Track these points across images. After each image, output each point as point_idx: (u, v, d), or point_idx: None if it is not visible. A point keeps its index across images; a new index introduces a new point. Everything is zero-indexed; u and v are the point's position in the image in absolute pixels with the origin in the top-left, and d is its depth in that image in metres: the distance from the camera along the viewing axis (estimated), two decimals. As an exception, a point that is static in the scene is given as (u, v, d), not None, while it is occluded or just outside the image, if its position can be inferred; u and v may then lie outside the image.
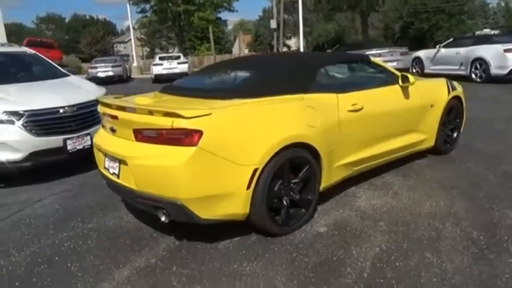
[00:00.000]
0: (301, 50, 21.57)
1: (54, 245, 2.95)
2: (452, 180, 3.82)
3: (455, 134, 4.71)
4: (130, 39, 69.04)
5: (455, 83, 4.69)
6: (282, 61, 3.71)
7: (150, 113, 2.53)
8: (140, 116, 2.57)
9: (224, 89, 3.05)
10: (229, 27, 63.74)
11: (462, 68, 10.69)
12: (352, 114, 3.29)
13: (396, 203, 3.38)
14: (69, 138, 4.26)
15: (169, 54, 20.21)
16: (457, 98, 4.56)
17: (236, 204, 2.59)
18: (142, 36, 57.80)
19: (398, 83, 3.80)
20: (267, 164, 2.64)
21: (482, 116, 6.57)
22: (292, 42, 44.71)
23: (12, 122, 4.01)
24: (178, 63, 17.42)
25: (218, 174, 2.50)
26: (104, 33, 63.20)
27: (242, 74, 3.31)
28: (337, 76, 3.74)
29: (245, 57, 5.28)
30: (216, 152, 2.47)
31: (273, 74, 3.20)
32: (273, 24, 30.91)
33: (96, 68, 17.76)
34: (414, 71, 12.97)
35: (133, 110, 2.63)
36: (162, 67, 17.22)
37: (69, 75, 5.43)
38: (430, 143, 4.32)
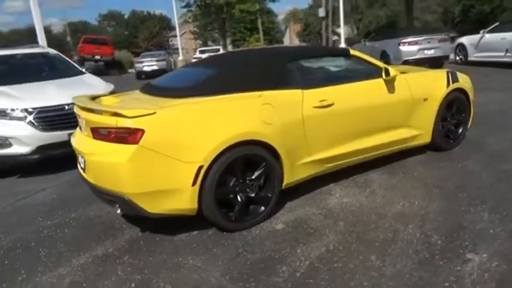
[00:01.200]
0: (342, 38, 20.80)
1: (36, 232, 3.25)
2: (440, 179, 3.60)
3: (460, 130, 4.40)
4: (184, 33, 71.11)
5: (460, 75, 4.36)
6: (247, 57, 3.71)
7: (102, 113, 2.69)
8: (95, 115, 2.75)
9: (187, 88, 3.13)
10: (281, 16, 63.33)
11: (508, 54, 9.77)
12: (320, 111, 3.22)
13: (367, 202, 3.27)
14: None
15: (210, 48, 20.60)
16: (460, 90, 4.25)
17: (183, 200, 2.69)
18: (195, 29, 59.37)
19: (381, 76, 3.63)
20: (214, 161, 2.70)
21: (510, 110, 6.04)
22: (342, 30, 43.38)
23: (23, 119, 4.43)
24: (218, 56, 17.75)
25: (162, 170, 2.61)
26: (160, 28, 65.69)
27: (210, 71, 3.37)
28: (309, 71, 3.66)
29: (222, 54, 5.27)
30: (159, 149, 2.58)
31: (234, 71, 3.23)
32: (321, 12, 30.24)
33: (142, 62, 18.65)
34: (458, 58, 12.07)
35: (91, 111, 2.82)
36: (202, 60, 17.65)
37: (84, 73, 5.82)
38: (426, 138, 4.08)
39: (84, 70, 6.01)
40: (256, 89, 3.03)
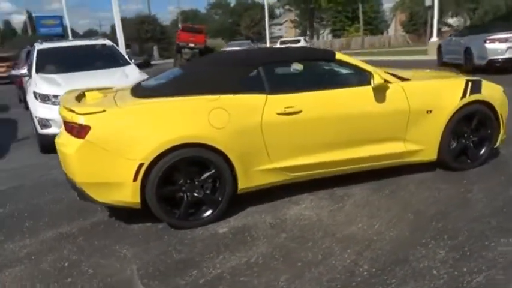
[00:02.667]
0: (434, 29, 18.72)
1: (36, 205, 3.77)
2: (425, 204, 3.21)
3: (482, 149, 3.81)
4: (285, 21, 71.25)
5: (487, 85, 3.76)
6: (217, 61, 3.68)
7: (68, 109, 3.00)
8: (65, 111, 3.07)
9: (154, 88, 3.28)
10: (389, 5, 59.57)
11: None
12: (283, 118, 3.11)
13: (326, 218, 3.08)
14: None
15: (291, 38, 20.47)
16: (483, 103, 3.66)
17: (125, 193, 2.88)
18: (295, 18, 59.26)
19: (370, 83, 3.33)
20: (156, 160, 2.83)
21: None
22: (453, 20, 39.14)
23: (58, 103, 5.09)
24: (296, 48, 17.62)
25: (106, 164, 2.83)
26: (261, 17, 67.02)
27: (181, 72, 3.45)
28: (283, 76, 3.50)
29: (212, 55, 5.19)
30: (103, 145, 2.80)
31: (198, 74, 3.28)
32: (428, 1, 27.79)
33: (226, 50, 19.46)
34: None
35: (64, 106, 3.15)
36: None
37: (129, 64, 6.38)
38: (430, 155, 3.63)
39: (131, 61, 6.59)
40: (215, 92, 3.05)
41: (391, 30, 58.62)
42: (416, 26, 42.49)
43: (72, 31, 27.80)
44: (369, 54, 21.76)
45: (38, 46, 6.49)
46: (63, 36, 24.10)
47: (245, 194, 3.27)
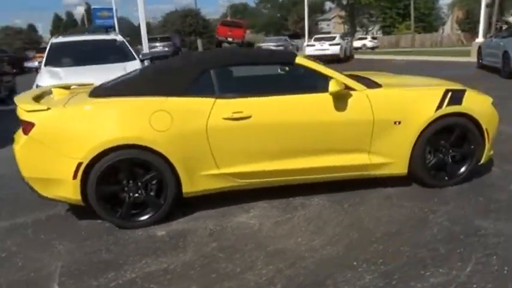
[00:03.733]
0: (481, 28, 17.27)
1: (21, 191, 3.87)
2: (377, 223, 2.97)
3: (464, 165, 3.48)
4: (334, 17, 69.72)
5: (471, 95, 3.42)
6: (173, 62, 3.61)
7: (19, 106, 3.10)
8: (18, 108, 3.16)
9: (108, 88, 3.30)
10: (446, 1, 56.33)
11: None
12: (230, 123, 3.02)
13: (267, 229, 2.97)
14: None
15: (328, 35, 19.94)
16: (464, 115, 3.34)
17: (66, 190, 2.94)
18: (346, 14, 57.73)
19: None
20: (95, 160, 2.86)
21: None
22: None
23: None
24: (330, 45, 17.15)
25: (48, 161, 2.90)
26: (309, 12, 66.06)
27: (139, 73, 3.45)
28: (235, 79, 3.37)
29: (177, 56, 5.03)
30: (46, 142, 2.87)
31: (149, 75, 3.26)
32: (486, -3, 25.96)
33: (261, 47, 19.40)
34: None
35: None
36: (314, 48, 17.33)
37: (134, 60, 6.52)
38: (399, 169, 3.38)
39: (136, 57, 6.72)
40: (163, 94, 3.03)
41: (447, 28, 55.48)
42: (472, 25, 39.83)
43: (120, 22, 28.88)
44: (405, 54, 20.87)
45: (53, 40, 6.83)
46: (113, 29, 25.18)
47: (201, 198, 3.24)
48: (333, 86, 3.04)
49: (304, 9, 69.38)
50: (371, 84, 3.43)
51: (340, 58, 17.73)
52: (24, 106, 2.91)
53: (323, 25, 69.73)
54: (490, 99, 3.52)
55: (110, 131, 2.89)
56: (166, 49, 23.33)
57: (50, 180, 2.95)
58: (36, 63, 6.70)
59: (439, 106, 3.28)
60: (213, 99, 3.04)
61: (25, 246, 2.91)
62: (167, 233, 2.99)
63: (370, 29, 57.00)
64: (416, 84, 3.74)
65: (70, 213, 3.41)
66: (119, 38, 7.11)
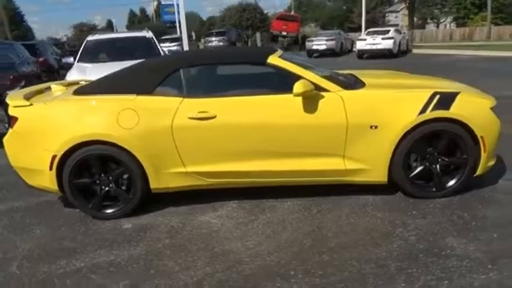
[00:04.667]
0: None
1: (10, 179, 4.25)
2: (336, 232, 2.81)
3: (454, 178, 3.17)
4: (402, 8, 66.09)
5: (464, 98, 3.09)
6: (150, 62, 3.65)
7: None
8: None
9: (89, 85, 3.49)
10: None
11: None
12: (195, 122, 3.04)
13: (225, 231, 2.95)
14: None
15: (381, 29, 18.87)
16: (453, 121, 3.03)
17: (45, 180, 3.17)
18: (406, 5, 54.39)
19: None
20: (68, 154, 3.06)
21: None
22: None
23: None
24: (382, 39, 16.25)
25: (29, 152, 3.15)
26: (377, 3, 63.22)
27: (117, 71, 3.56)
28: (205, 79, 3.32)
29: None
30: (26, 135, 3.13)
31: (124, 73, 3.37)
32: None
33: (312, 41, 19.01)
34: None
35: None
36: (365, 42, 16.56)
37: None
38: (378, 177, 3.16)
39: (162, 53, 6.97)
40: (133, 93, 3.14)
41: (532, 19, 50.00)
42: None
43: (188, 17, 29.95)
44: (475, 48, 18.89)
45: (89, 37, 7.32)
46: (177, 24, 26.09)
47: (179, 193, 3.32)
48: (297, 88, 2.92)
49: (370, 1, 66.48)
50: (354, 85, 3.24)
51: (394, 53, 16.66)
52: (11, 102, 3.18)
53: (391, 17, 66.47)
54: (490, 104, 3.15)
55: (80, 127, 3.06)
56: (221, 44, 23.84)
57: (32, 170, 3.21)
58: (71, 59, 7.25)
59: (423, 110, 3.00)
60: (180, 99, 3.09)
61: (8, 229, 3.20)
62: (132, 226, 3.12)
63: (442, 20, 53.22)
64: (406, 86, 3.44)
65: (60, 200, 3.67)
66: (148, 35, 7.42)
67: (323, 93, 3.06)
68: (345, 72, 3.98)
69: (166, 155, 3.11)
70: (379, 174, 3.15)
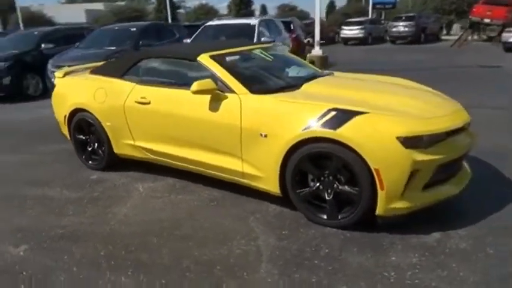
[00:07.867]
0: None
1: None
2: (194, 229, 3.01)
3: (348, 211, 2.79)
4: None
5: (370, 120, 2.65)
6: (128, 52, 4.24)
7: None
8: None
9: (98, 68, 4.47)
10: None
11: None
12: (138, 105, 3.68)
13: (137, 198, 3.54)
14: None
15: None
16: (341, 144, 2.66)
17: (65, 131, 4.46)
18: None
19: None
20: (70, 116, 4.26)
21: None
22: None
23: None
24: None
25: (58, 110, 4.49)
26: None
27: (120, 56, 4.43)
28: (154, 70, 3.81)
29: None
30: (57, 97, 4.48)
31: (118, 60, 4.22)
32: None
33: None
34: None
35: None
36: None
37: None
38: (271, 186, 3.06)
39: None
40: (111, 76, 4.02)
41: None
42: None
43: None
44: None
45: (208, 22, 8.51)
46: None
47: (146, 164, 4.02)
48: (194, 86, 3.13)
49: None
50: (273, 89, 3.23)
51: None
52: (56, 74, 4.57)
53: None
54: (399, 134, 2.56)
55: (75, 98, 4.21)
56: (407, 29, 21.97)
57: (60, 123, 4.55)
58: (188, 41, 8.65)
59: (308, 126, 2.75)
60: (133, 84, 3.78)
61: (19, 170, 4.60)
62: (97, 177, 4.07)
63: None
64: (336, 99, 3.00)
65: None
66: (253, 22, 8.05)
67: (227, 94, 3.18)
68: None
69: (122, 128, 3.89)
70: (272, 185, 3.07)
